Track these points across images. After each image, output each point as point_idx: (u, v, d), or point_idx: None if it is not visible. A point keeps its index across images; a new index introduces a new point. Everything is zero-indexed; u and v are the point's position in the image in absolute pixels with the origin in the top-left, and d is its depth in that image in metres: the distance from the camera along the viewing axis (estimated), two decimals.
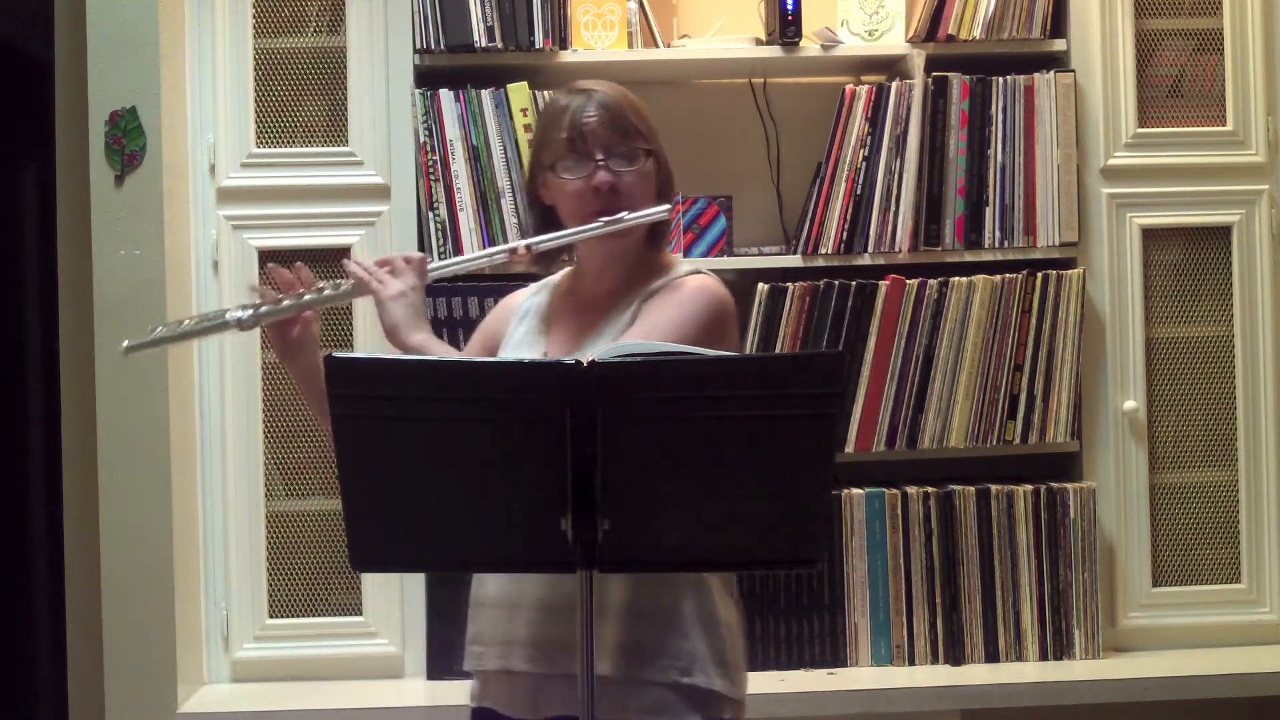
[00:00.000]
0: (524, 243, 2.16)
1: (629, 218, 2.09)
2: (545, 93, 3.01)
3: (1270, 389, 3.14)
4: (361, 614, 3.05)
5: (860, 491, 3.04)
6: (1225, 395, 3.15)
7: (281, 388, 3.05)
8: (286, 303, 2.13)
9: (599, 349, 2.02)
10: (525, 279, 2.38)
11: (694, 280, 2.12)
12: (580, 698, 1.81)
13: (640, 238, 2.15)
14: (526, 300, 2.27)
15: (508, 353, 2.21)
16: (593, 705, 1.80)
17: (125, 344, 2.21)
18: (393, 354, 2.09)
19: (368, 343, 2.99)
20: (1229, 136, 3.15)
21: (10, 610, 3.64)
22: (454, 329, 2.98)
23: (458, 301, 2.97)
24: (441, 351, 2.11)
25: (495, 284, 2.88)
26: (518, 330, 2.23)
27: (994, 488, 3.06)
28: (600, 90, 2.13)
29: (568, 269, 2.25)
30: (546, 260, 2.23)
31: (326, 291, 2.15)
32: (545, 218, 2.18)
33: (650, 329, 2.04)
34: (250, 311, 2.13)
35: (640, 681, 2.00)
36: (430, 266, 2.15)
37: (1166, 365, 3.14)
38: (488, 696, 2.11)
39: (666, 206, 2.13)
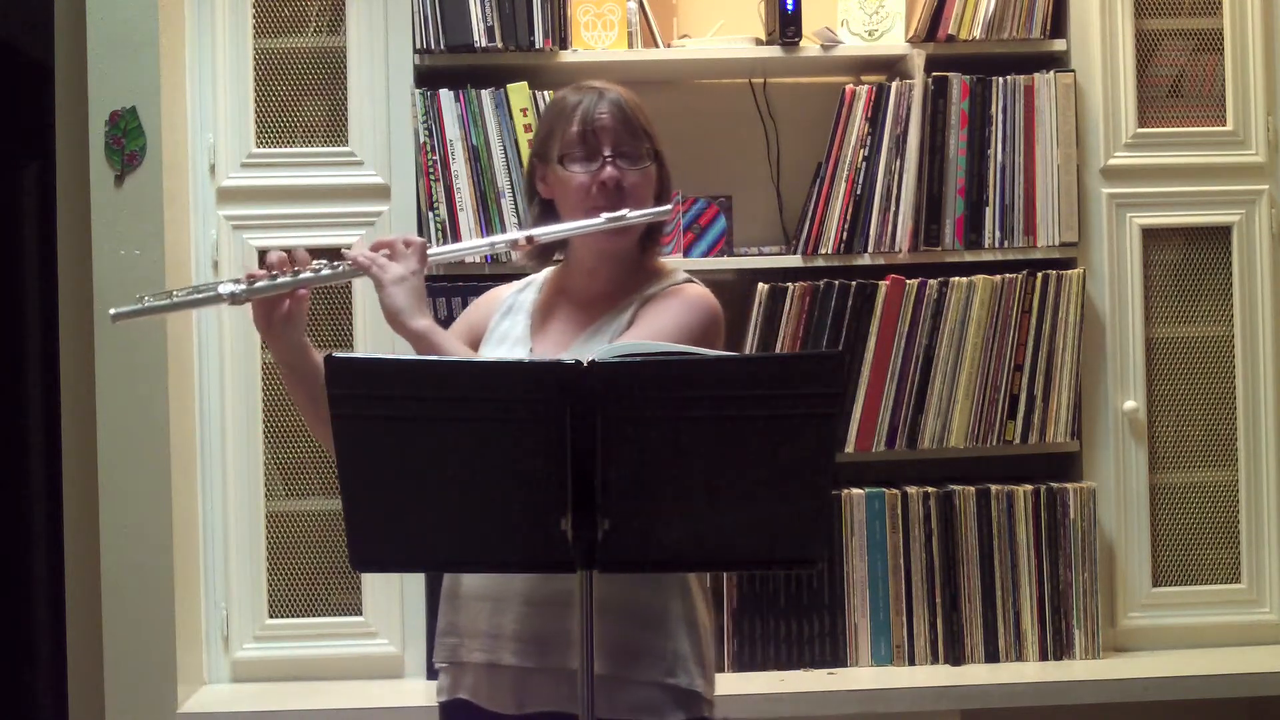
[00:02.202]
0: (526, 233, 2.15)
1: (632, 215, 2.09)
2: (545, 93, 3.00)
3: (1270, 389, 3.14)
4: (361, 614, 3.05)
5: (860, 491, 3.04)
6: (1225, 395, 3.15)
7: (281, 387, 3.04)
8: (282, 279, 2.09)
9: (595, 348, 2.03)
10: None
11: (693, 289, 2.15)
12: (579, 694, 1.82)
13: (636, 239, 2.16)
14: (511, 296, 2.27)
15: (490, 346, 2.20)
16: (592, 702, 1.80)
17: (112, 311, 2.14)
18: (394, 353, 2.08)
19: (367, 341, 2.99)
20: (1229, 136, 3.15)
21: (10, 610, 3.64)
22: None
23: (456, 303, 2.96)
24: (445, 338, 2.08)
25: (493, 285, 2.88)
26: (501, 324, 2.22)
27: (994, 488, 3.06)
28: (612, 90, 2.15)
29: (553, 267, 2.25)
30: (542, 255, 2.22)
31: (324, 271, 2.11)
32: (545, 211, 2.18)
33: (650, 332, 2.05)
34: (243, 286, 2.09)
35: (627, 681, 2.01)
36: (430, 251, 2.13)
37: (1166, 365, 3.14)
38: (464, 688, 2.10)
39: (668, 206, 2.15)
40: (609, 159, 2.10)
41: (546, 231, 2.14)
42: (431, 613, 3.00)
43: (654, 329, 2.05)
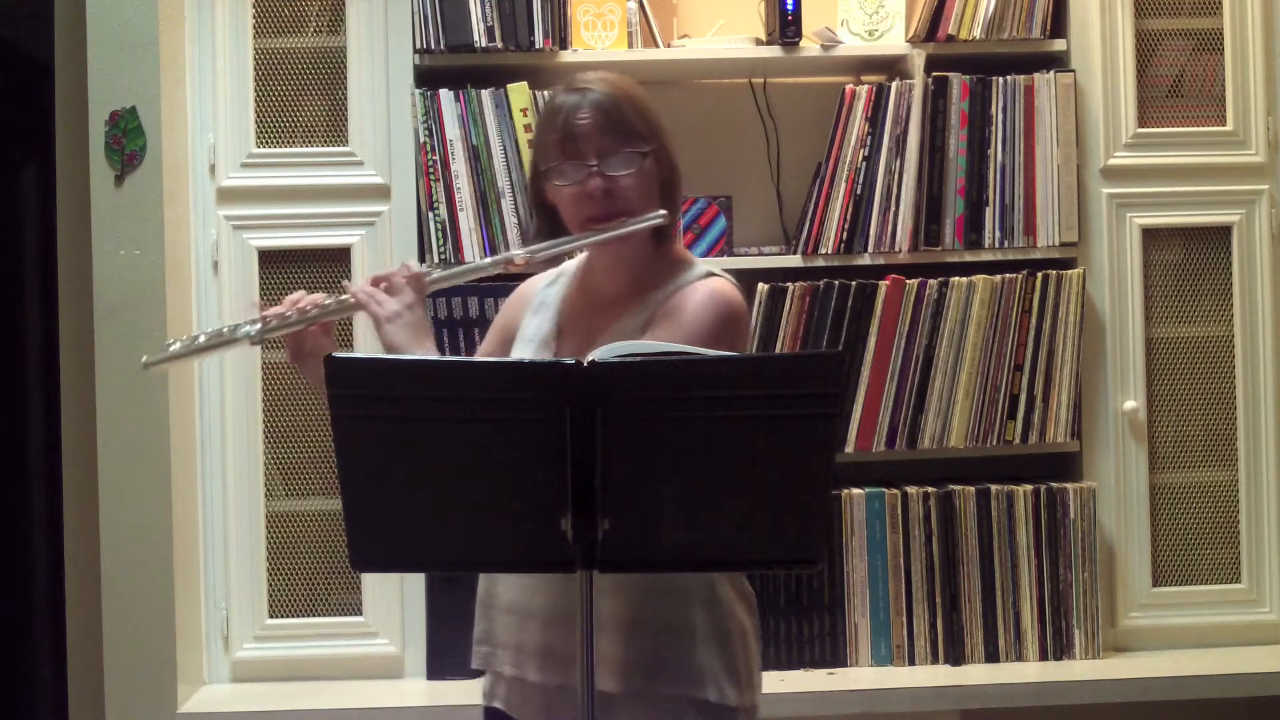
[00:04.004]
0: (521, 252, 2.11)
1: (624, 227, 2.04)
2: (545, 92, 3.00)
3: (1270, 389, 3.14)
4: (361, 614, 3.05)
5: (860, 491, 3.04)
6: (1225, 395, 3.15)
7: (281, 388, 3.05)
8: (293, 318, 2.12)
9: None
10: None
11: (705, 287, 2.07)
12: (579, 700, 1.80)
13: (645, 238, 2.09)
14: (542, 290, 2.22)
15: (519, 346, 2.18)
16: (593, 706, 1.80)
17: (145, 359, 2.21)
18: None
19: (368, 341, 2.99)
20: (1229, 136, 3.15)
21: (10, 610, 3.64)
22: (454, 329, 2.97)
23: (457, 302, 2.97)
24: None
25: (499, 284, 2.87)
26: (531, 323, 2.19)
27: (994, 488, 3.06)
28: (597, 88, 2.06)
29: (583, 255, 2.19)
30: (557, 257, 2.17)
31: (331, 306, 2.13)
32: (551, 218, 2.12)
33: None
34: (260, 326, 2.13)
35: (652, 696, 1.98)
36: (428, 279, 2.11)
37: (1166, 365, 3.14)
38: (498, 698, 2.11)
39: (663, 212, 2.06)
40: (594, 168, 2.03)
41: (541, 249, 2.10)
42: (432, 614, 3.00)
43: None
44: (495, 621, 2.09)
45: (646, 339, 2.03)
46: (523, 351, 2.17)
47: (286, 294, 2.89)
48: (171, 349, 2.19)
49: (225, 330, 2.18)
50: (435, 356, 2.08)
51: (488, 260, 2.18)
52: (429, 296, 2.13)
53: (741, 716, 2.03)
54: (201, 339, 2.20)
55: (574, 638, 1.92)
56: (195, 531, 3.03)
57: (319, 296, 2.16)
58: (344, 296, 2.13)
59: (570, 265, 2.23)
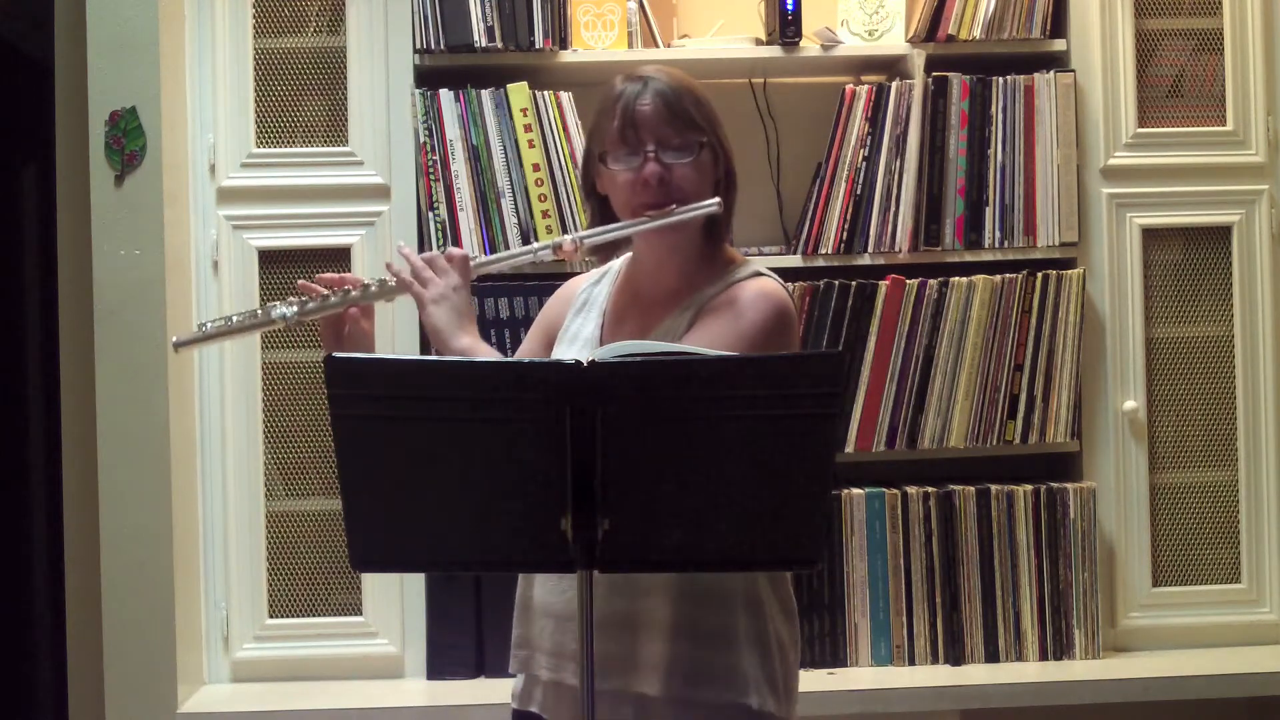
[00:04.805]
0: (570, 238, 2.10)
1: (678, 213, 2.03)
2: (545, 92, 3.01)
3: (1270, 389, 3.14)
4: (361, 614, 3.05)
5: (860, 491, 3.04)
6: (1225, 395, 3.15)
7: (281, 387, 3.05)
8: (332, 300, 2.11)
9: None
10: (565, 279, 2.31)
11: (752, 286, 2.06)
12: (580, 695, 1.80)
13: (696, 232, 2.08)
14: (585, 289, 2.21)
15: (563, 346, 2.16)
16: (592, 706, 1.80)
17: (175, 339, 2.20)
18: (394, 353, 2.08)
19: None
20: (1229, 136, 3.15)
21: (10, 610, 3.64)
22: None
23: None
24: (486, 355, 2.05)
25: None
26: (574, 322, 2.17)
27: (994, 488, 3.06)
28: (658, 78, 2.05)
29: (628, 254, 2.17)
30: (606, 251, 2.15)
31: (372, 289, 2.11)
32: (602, 207, 2.11)
33: (706, 345, 1.97)
34: (295, 308, 2.11)
35: (691, 703, 1.97)
36: (473, 263, 2.09)
37: (1166, 365, 3.15)
38: (533, 701, 2.09)
39: (717, 200, 2.06)
40: (651, 154, 2.03)
41: (591, 234, 2.09)
42: (432, 614, 3.01)
43: (708, 341, 1.98)
44: (533, 625, 2.07)
45: (693, 335, 2.02)
46: (567, 351, 2.15)
47: (287, 294, 2.92)
48: (204, 330, 2.18)
49: (259, 312, 2.16)
50: (480, 356, 2.05)
51: (536, 245, 2.15)
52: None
53: None
54: (235, 319, 2.18)
55: (615, 642, 1.95)
56: (195, 531, 3.03)
57: (355, 277, 2.14)
58: (386, 278, 2.11)
59: (616, 264, 2.21)
